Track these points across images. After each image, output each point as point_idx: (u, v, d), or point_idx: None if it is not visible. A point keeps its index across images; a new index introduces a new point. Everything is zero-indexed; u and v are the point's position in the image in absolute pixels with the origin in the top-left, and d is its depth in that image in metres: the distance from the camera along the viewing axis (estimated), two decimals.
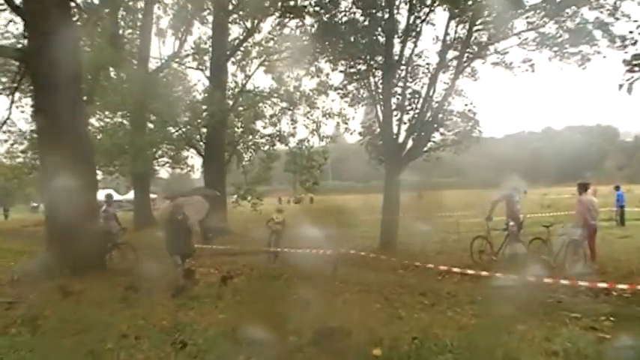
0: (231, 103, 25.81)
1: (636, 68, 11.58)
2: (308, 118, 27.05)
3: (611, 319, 7.49)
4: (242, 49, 26.48)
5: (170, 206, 11.97)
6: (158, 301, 9.63)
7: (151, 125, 27.08)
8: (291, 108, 27.15)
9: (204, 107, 25.06)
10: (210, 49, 26.22)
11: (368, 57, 17.40)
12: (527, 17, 15.93)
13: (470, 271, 10.49)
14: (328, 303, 8.55)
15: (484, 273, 10.00)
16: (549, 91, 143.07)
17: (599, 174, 60.88)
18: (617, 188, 23.28)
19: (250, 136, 28.17)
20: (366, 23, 16.94)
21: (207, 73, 26.60)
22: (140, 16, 27.53)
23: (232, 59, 26.55)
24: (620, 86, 11.68)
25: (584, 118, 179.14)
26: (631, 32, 11.65)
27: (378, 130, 17.84)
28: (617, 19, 14.82)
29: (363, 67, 17.71)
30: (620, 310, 7.98)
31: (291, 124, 27.70)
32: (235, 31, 26.33)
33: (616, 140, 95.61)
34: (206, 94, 25.83)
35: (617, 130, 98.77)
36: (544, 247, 12.94)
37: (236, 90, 26.58)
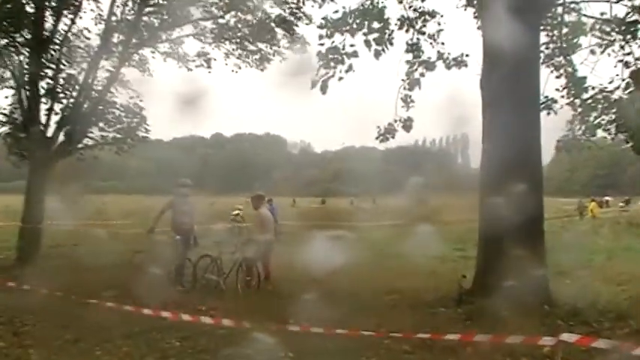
0: None
1: (332, 64, 12.24)
2: None
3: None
4: None
5: None
6: None
7: None
8: None
9: None
10: None
11: (12, 29, 15.64)
12: (205, 6, 16.05)
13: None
14: None
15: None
16: (221, 94, 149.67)
17: (266, 185, 65.47)
18: (270, 202, 25.03)
19: None
20: None
21: None
22: None
23: None
24: (314, 84, 12.22)
25: (254, 126, 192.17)
26: (327, 21, 12.23)
27: (22, 119, 16.07)
28: (299, 18, 15.76)
29: (5, 42, 15.86)
30: None
31: None
32: None
33: (284, 151, 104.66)
34: None
35: (285, 141, 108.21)
36: (213, 266, 12.44)
37: None
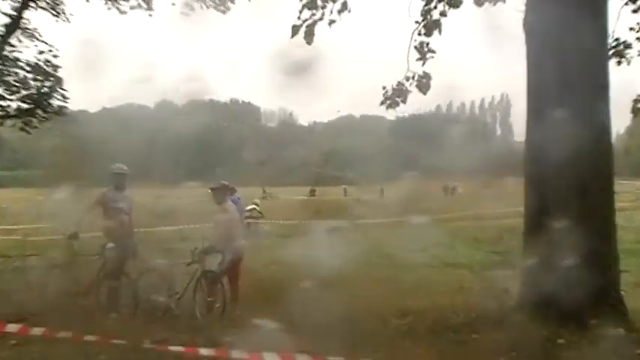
0: None
1: (320, 2, 11.94)
2: None
3: None
4: None
5: None
6: None
7: None
8: None
9: None
10: None
11: None
12: None
13: (37, 329, 9.42)
14: None
15: (64, 334, 9.07)
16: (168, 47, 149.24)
17: (235, 170, 65.03)
18: (233, 192, 24.83)
19: None
20: None
21: None
22: None
23: None
24: (295, 31, 12.06)
25: (215, 90, 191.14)
26: None
27: None
28: None
29: None
30: None
31: None
32: None
33: (257, 123, 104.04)
34: None
35: (259, 109, 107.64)
36: (162, 284, 12.26)
37: None
